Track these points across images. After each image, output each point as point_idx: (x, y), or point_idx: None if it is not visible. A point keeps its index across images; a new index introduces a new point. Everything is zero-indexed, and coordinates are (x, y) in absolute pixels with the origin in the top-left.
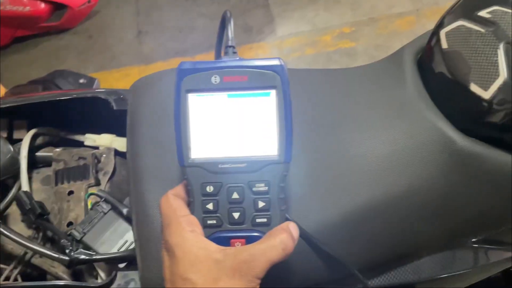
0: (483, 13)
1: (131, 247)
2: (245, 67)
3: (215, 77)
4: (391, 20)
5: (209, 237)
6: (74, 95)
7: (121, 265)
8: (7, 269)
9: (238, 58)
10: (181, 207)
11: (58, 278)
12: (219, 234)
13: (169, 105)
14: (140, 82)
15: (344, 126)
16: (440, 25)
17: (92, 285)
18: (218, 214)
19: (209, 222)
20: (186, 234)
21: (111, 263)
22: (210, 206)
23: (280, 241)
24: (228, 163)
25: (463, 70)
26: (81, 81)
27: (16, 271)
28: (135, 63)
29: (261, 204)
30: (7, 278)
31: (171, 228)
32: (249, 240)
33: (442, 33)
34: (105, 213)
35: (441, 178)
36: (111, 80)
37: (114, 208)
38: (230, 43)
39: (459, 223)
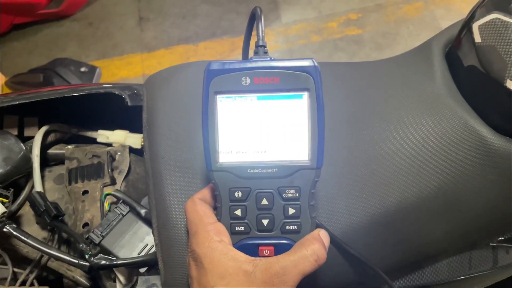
0: None
1: (152, 250)
2: (277, 68)
3: (245, 78)
4: (398, 7)
5: (236, 244)
6: (87, 91)
7: (142, 270)
8: (23, 274)
9: (269, 58)
10: (208, 213)
11: (76, 282)
12: (247, 241)
13: (188, 101)
14: (154, 77)
15: (373, 123)
16: (472, 17)
17: None
18: (246, 221)
19: (237, 228)
20: (215, 245)
21: (132, 267)
22: (238, 212)
23: (312, 251)
24: (257, 168)
25: (499, 65)
26: (83, 69)
27: (32, 276)
28: (137, 50)
29: (291, 211)
30: (23, 283)
31: (199, 237)
32: (278, 247)
33: (475, 26)
34: (123, 215)
35: (473, 178)
36: (113, 68)
37: (132, 210)
38: (261, 43)
39: (489, 222)
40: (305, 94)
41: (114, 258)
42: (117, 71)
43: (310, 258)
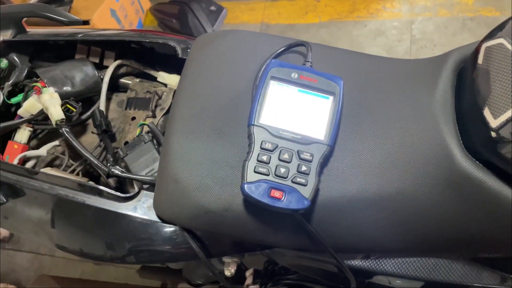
0: None
1: (156, 174)
2: (318, 74)
3: (295, 74)
4: None
5: (255, 182)
6: (149, 40)
7: (145, 186)
8: (75, 165)
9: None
10: None
11: (107, 182)
12: (264, 181)
13: (218, 69)
14: (202, 38)
15: (362, 119)
16: (486, 37)
17: (119, 194)
18: (269, 165)
19: (260, 169)
20: None
21: (139, 182)
22: (264, 157)
23: None
24: (287, 131)
25: (484, 91)
26: (212, 8)
27: (79, 168)
28: None
29: (303, 168)
30: (72, 171)
31: None
32: (286, 193)
33: (483, 47)
34: (145, 142)
35: (434, 192)
36: (237, 12)
37: (157, 140)
38: (309, 59)
39: (444, 235)
40: (331, 97)
41: (125, 171)
42: (240, 15)
43: None
